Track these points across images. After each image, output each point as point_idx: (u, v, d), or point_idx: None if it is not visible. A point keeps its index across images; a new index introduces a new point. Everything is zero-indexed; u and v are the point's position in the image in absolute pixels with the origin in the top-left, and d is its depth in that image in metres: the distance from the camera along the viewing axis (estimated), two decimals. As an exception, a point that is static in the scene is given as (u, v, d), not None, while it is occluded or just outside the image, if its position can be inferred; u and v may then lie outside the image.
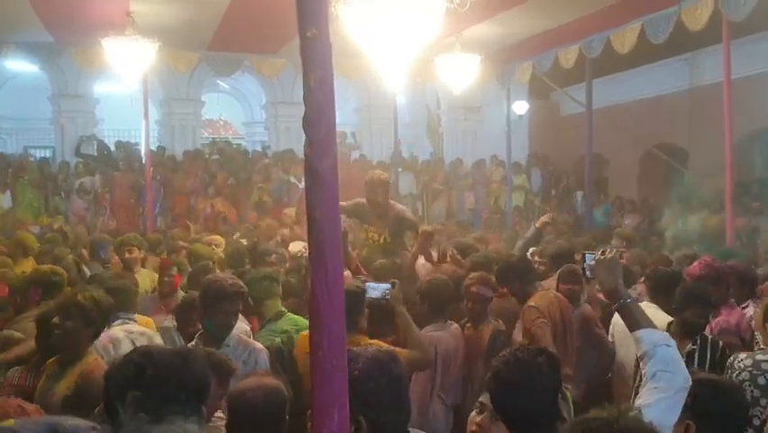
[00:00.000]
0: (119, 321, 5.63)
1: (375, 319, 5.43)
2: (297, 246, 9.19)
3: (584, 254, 4.19)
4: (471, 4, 7.71)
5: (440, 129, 24.31)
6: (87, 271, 8.58)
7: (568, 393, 3.43)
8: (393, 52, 8.36)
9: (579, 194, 19.42)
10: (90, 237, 11.63)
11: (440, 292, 6.04)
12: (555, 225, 11.99)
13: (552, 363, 3.12)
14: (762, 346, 4.97)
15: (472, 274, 6.21)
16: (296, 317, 6.00)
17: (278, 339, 5.59)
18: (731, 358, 4.76)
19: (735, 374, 4.57)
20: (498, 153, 20.49)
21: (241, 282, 5.19)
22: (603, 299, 6.70)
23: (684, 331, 5.19)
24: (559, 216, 17.83)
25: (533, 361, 3.08)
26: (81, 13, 11.59)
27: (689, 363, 4.66)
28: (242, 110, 28.95)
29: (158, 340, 5.62)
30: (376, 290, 5.40)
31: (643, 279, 7.15)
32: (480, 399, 3.52)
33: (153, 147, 18.47)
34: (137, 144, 20.80)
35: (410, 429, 2.97)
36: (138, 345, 5.30)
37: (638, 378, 5.22)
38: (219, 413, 3.84)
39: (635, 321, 3.36)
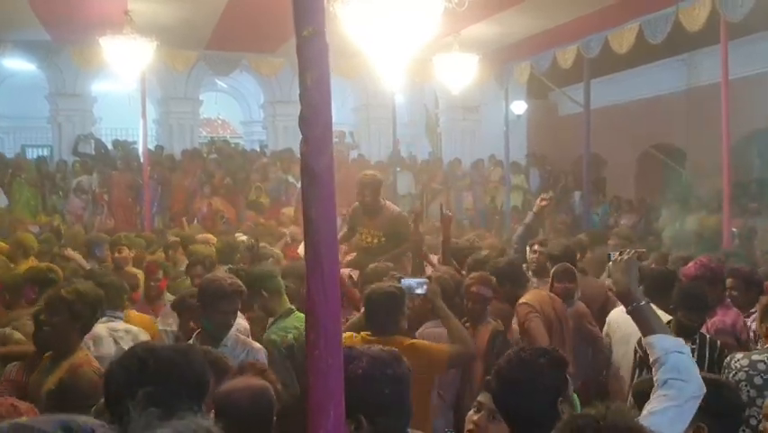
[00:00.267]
0: (104, 318, 5.53)
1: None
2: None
3: (609, 255, 4.13)
4: (470, 4, 7.70)
5: (438, 129, 24.30)
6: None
7: (576, 398, 3.40)
8: (391, 52, 8.35)
9: (577, 194, 19.43)
10: (86, 236, 11.65)
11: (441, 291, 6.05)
12: (552, 207, 11.97)
13: (555, 364, 3.12)
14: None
15: (473, 274, 6.21)
16: (303, 315, 5.99)
17: (290, 335, 5.59)
18: (727, 358, 4.77)
19: (731, 374, 4.58)
20: (496, 153, 20.50)
21: (239, 282, 5.17)
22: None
23: (681, 331, 5.18)
24: (557, 215, 17.89)
25: (535, 361, 3.09)
26: (79, 12, 11.59)
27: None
28: (241, 109, 28.91)
29: (143, 338, 5.57)
30: (412, 285, 5.40)
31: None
32: (479, 398, 3.53)
33: (151, 146, 18.46)
34: (134, 143, 20.81)
35: (409, 430, 2.97)
36: (122, 343, 5.34)
37: (635, 376, 5.26)
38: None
39: (649, 326, 3.25)
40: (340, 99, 23.33)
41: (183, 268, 8.54)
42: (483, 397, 3.52)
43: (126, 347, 4.96)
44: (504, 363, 3.16)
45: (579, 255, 8.37)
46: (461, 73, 12.83)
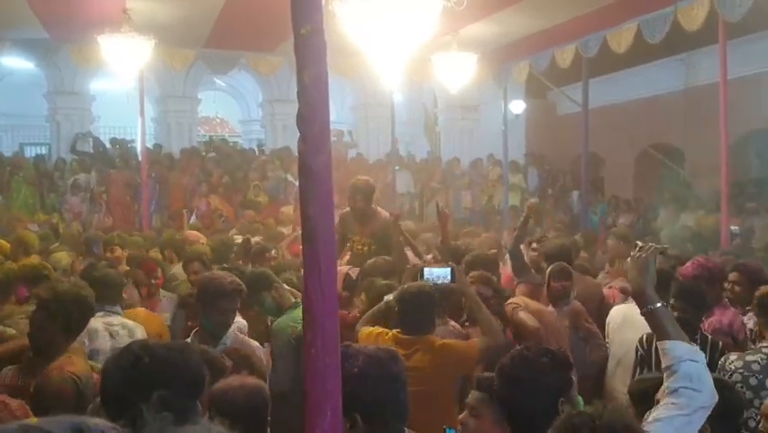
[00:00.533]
0: (101, 313, 5.52)
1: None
2: None
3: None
4: (468, 3, 7.70)
5: (437, 128, 24.34)
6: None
7: (580, 400, 3.40)
8: (390, 51, 8.34)
9: (575, 193, 19.42)
10: (85, 234, 11.68)
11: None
12: (539, 211, 11.86)
13: (558, 364, 3.12)
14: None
15: (472, 273, 6.21)
16: None
17: (299, 326, 5.60)
18: (722, 360, 4.74)
19: (726, 376, 4.55)
20: (494, 152, 20.50)
21: (239, 280, 5.17)
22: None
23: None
24: (555, 215, 17.90)
25: (538, 360, 3.09)
26: (78, 11, 11.57)
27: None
28: (239, 108, 28.92)
29: (140, 333, 5.56)
30: (438, 275, 5.35)
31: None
32: (468, 398, 3.54)
33: (149, 145, 18.45)
34: (133, 142, 20.81)
35: (405, 430, 2.97)
36: (118, 338, 5.32)
37: (636, 374, 5.26)
38: None
39: (663, 330, 3.11)
40: (338, 98, 23.38)
41: (178, 267, 8.60)
42: (471, 395, 3.54)
43: (122, 342, 4.98)
44: (506, 362, 3.15)
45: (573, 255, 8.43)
46: (459, 72, 12.83)
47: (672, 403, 2.93)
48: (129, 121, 21.75)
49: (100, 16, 11.36)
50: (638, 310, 5.79)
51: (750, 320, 5.93)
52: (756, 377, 4.48)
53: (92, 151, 19.51)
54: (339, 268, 6.66)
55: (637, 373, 5.30)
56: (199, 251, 8.13)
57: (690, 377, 2.95)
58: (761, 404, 4.37)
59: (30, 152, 22.52)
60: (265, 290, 6.15)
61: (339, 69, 13.67)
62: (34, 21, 12.25)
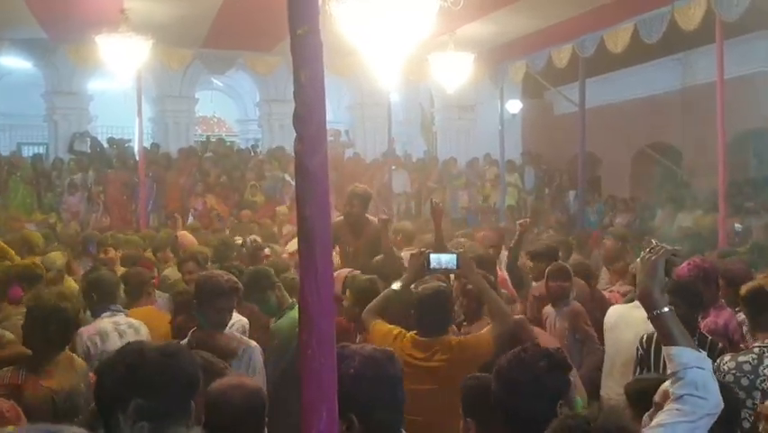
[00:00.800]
0: (107, 313, 5.64)
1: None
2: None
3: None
4: (465, 3, 7.68)
5: (433, 127, 24.31)
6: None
7: (579, 401, 3.39)
8: (386, 50, 8.32)
9: (572, 193, 19.43)
10: (82, 233, 11.70)
11: None
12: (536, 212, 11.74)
13: (556, 366, 3.09)
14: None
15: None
16: None
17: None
18: (717, 361, 4.73)
19: (721, 377, 4.54)
20: (491, 152, 20.50)
21: (236, 279, 5.16)
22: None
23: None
24: (552, 214, 17.91)
25: (536, 363, 3.06)
26: (75, 11, 11.56)
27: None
28: (236, 107, 28.90)
29: (144, 331, 5.60)
30: (442, 261, 5.32)
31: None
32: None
33: (147, 144, 18.46)
34: (130, 141, 20.80)
35: (402, 431, 2.96)
36: (126, 336, 5.35)
37: (636, 373, 5.25)
38: None
39: (670, 335, 3.01)
40: (335, 98, 23.36)
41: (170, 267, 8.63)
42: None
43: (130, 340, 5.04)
44: (504, 364, 3.13)
45: (564, 255, 8.51)
46: (456, 72, 12.83)
47: (677, 410, 2.87)
48: (126, 121, 21.66)
49: (98, 16, 11.36)
50: (633, 311, 5.82)
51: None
52: (748, 377, 4.48)
53: (89, 150, 19.53)
54: (339, 271, 6.65)
55: (637, 372, 5.29)
56: (194, 250, 8.14)
57: (696, 384, 2.88)
58: (753, 404, 4.37)
59: (27, 152, 22.46)
60: (269, 289, 6.16)
61: (336, 68, 13.68)
62: (32, 21, 12.26)
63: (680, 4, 10.70)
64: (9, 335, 5.30)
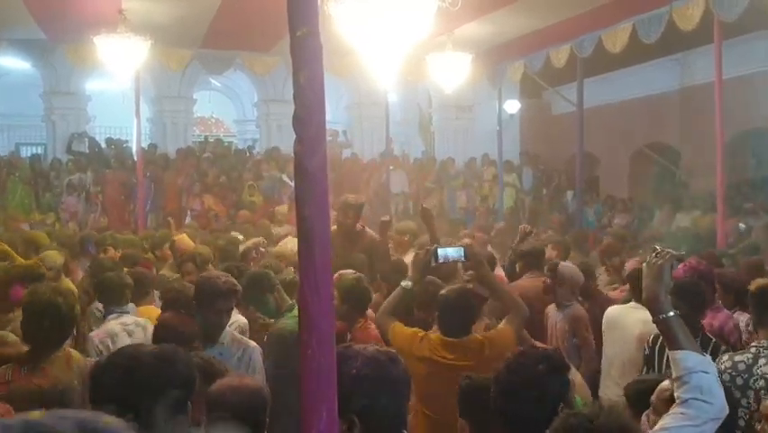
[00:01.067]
0: (114, 315, 5.72)
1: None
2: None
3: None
4: (463, 4, 7.69)
5: (431, 128, 24.31)
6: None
7: (579, 401, 3.37)
8: (385, 51, 8.34)
9: (570, 193, 19.41)
10: (80, 233, 11.71)
11: (435, 290, 6.05)
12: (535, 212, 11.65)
13: (555, 369, 3.07)
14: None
15: (469, 273, 6.21)
16: None
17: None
18: (716, 361, 4.73)
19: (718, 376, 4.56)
20: (489, 152, 20.49)
21: (234, 280, 5.17)
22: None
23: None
24: (550, 214, 17.90)
25: (534, 367, 3.04)
26: (74, 11, 11.57)
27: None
28: (234, 108, 28.90)
29: (151, 328, 5.61)
30: (449, 253, 5.32)
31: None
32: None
33: (145, 145, 18.43)
34: (128, 142, 20.79)
35: (404, 432, 2.95)
36: (135, 335, 5.47)
37: (642, 373, 5.25)
38: None
39: (675, 340, 3.03)
40: (333, 98, 23.33)
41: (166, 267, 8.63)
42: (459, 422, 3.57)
43: (138, 340, 5.21)
44: (503, 369, 3.11)
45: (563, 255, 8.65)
46: (454, 72, 12.82)
47: (682, 414, 2.88)
48: (124, 121, 21.66)
49: (96, 16, 11.37)
50: (631, 311, 5.84)
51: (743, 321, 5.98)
52: (742, 376, 4.47)
53: (88, 151, 19.53)
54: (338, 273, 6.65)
55: (644, 371, 5.30)
56: (192, 252, 8.14)
57: (701, 389, 2.89)
58: (748, 403, 4.38)
59: (26, 152, 22.47)
60: (268, 291, 6.15)
61: (334, 68, 13.68)
62: (30, 21, 12.26)
63: (678, 4, 10.71)
64: (12, 336, 5.31)
